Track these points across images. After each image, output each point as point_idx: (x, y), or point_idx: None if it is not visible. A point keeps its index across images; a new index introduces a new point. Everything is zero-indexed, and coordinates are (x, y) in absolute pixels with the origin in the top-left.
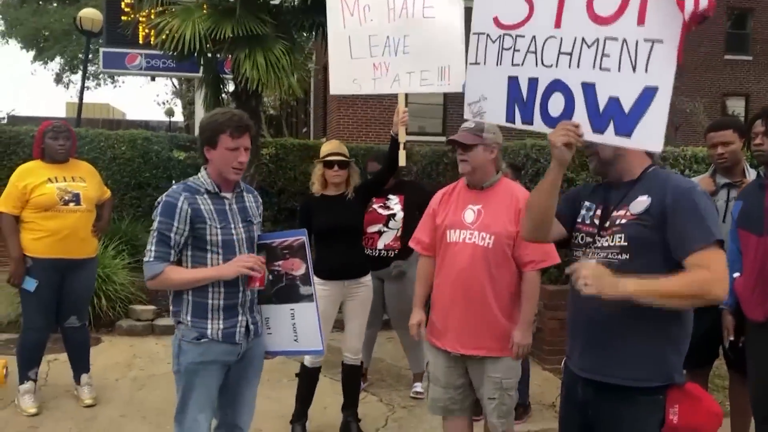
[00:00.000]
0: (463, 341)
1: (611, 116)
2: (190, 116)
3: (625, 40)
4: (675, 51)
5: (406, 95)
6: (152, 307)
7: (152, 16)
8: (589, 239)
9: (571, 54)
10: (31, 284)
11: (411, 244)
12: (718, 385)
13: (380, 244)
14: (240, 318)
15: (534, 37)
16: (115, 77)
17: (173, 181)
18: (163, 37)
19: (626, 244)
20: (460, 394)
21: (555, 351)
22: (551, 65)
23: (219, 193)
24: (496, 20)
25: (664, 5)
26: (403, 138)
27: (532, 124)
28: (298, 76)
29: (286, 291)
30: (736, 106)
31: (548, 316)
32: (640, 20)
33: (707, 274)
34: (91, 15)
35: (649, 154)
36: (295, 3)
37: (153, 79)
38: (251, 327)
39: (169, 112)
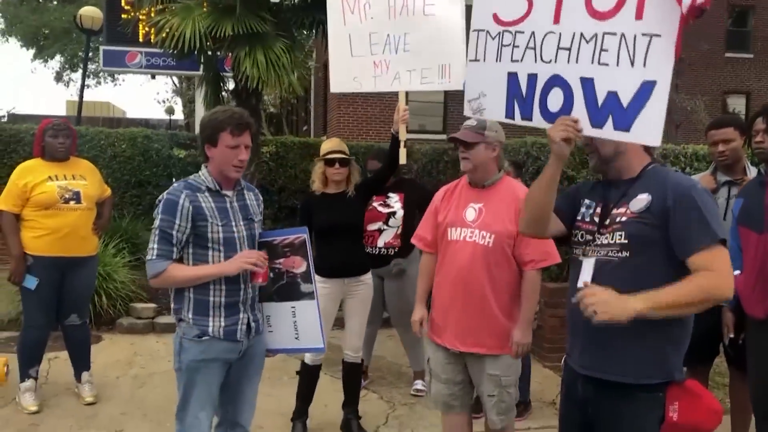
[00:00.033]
0: (463, 339)
1: (610, 111)
2: (191, 114)
3: (623, 35)
4: (673, 45)
5: (407, 93)
6: (153, 305)
7: (152, 14)
8: (589, 237)
9: (569, 49)
10: (31, 282)
11: (413, 240)
12: (718, 383)
13: (380, 242)
14: (241, 315)
15: (533, 32)
16: (116, 75)
17: (173, 180)
18: (164, 35)
19: (626, 241)
20: (460, 390)
21: (555, 348)
22: (550, 61)
23: (220, 190)
24: (495, 17)
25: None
26: (403, 136)
27: (531, 119)
28: (299, 74)
29: (287, 289)
30: (737, 104)
31: (548, 314)
32: (639, 15)
33: (712, 276)
34: (91, 13)
35: (649, 152)
36: (296, 1)
37: (153, 77)
38: (252, 324)
39: (170, 111)
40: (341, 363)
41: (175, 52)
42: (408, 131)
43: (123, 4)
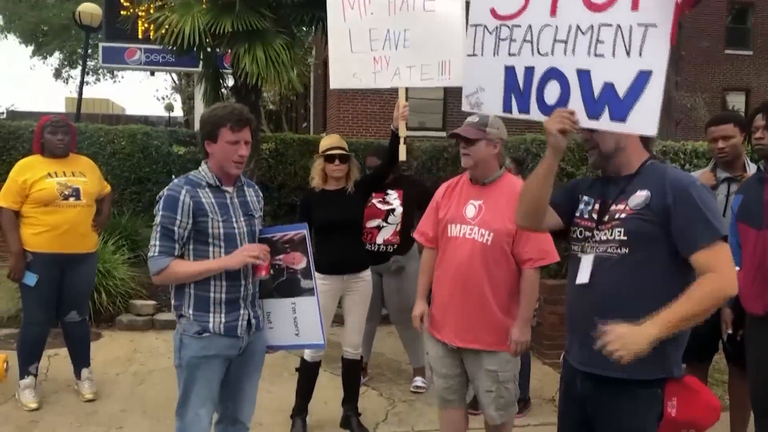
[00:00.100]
0: (461, 335)
1: (606, 102)
2: (190, 111)
3: (619, 26)
4: (668, 34)
5: (407, 90)
6: (152, 302)
7: (151, 11)
8: (588, 233)
9: (566, 42)
10: (31, 279)
11: (415, 236)
12: (717, 380)
13: (379, 239)
14: (242, 312)
15: (530, 26)
16: (115, 72)
17: (173, 176)
18: (163, 31)
19: (625, 238)
20: (456, 384)
21: (555, 345)
22: (547, 53)
23: (220, 186)
24: (492, 11)
25: None
26: (403, 132)
27: (528, 113)
28: (298, 70)
29: (287, 285)
30: (737, 101)
31: (548, 311)
32: (635, 5)
33: (716, 278)
34: (90, 9)
35: (647, 148)
36: None
37: (152, 74)
38: (253, 321)
39: (169, 107)
40: (341, 360)
41: (175, 48)
42: (408, 128)
43: (122, 0)
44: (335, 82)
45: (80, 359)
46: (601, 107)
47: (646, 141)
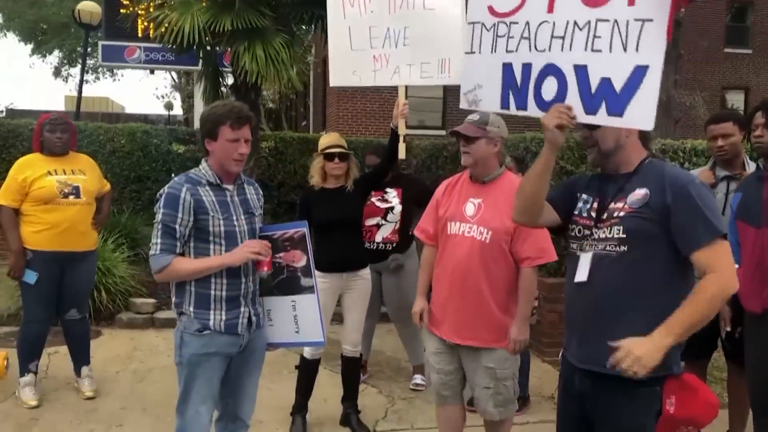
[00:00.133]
0: (459, 332)
1: (603, 97)
2: (189, 110)
3: (615, 21)
4: (665, 29)
5: (406, 88)
6: (152, 300)
7: (151, 9)
8: (586, 231)
9: (563, 37)
10: (31, 277)
11: (416, 232)
12: (716, 377)
13: (378, 237)
14: (242, 309)
15: (527, 22)
16: (114, 70)
17: (172, 175)
18: (162, 29)
19: (624, 236)
20: (452, 380)
21: (554, 343)
22: (544, 50)
23: (220, 184)
24: (490, 9)
25: None
26: (402, 130)
27: (526, 109)
28: (298, 69)
29: (288, 283)
30: (736, 100)
31: (547, 309)
32: (631, 1)
33: (717, 279)
34: (89, 8)
35: (646, 146)
36: None
37: (152, 72)
38: (253, 318)
39: (168, 106)
40: (340, 357)
41: (174, 47)
42: (407, 127)
43: None
44: (335, 80)
45: (80, 357)
46: (598, 102)
47: (645, 139)
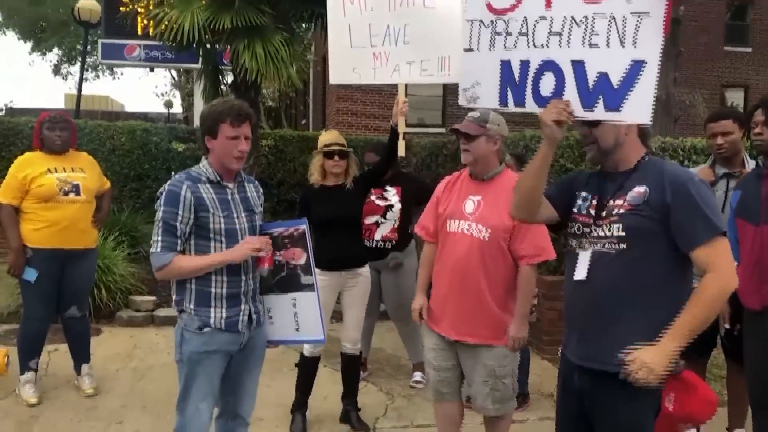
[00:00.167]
0: (458, 328)
1: (601, 92)
2: (189, 108)
3: (613, 16)
4: (662, 23)
5: (406, 86)
6: (152, 298)
7: (151, 7)
8: (585, 229)
9: (561, 33)
10: (31, 275)
11: (416, 229)
12: (715, 375)
13: (377, 235)
14: (243, 307)
15: (525, 19)
16: (114, 69)
17: (172, 173)
18: (162, 28)
19: (624, 234)
20: (450, 376)
21: (553, 341)
22: (542, 46)
23: (221, 182)
24: (488, 6)
25: None
26: (402, 128)
27: (524, 105)
28: (297, 67)
29: (288, 280)
30: (735, 98)
31: (547, 307)
32: None
33: (717, 278)
34: (89, 5)
35: (645, 144)
36: None
37: (152, 70)
38: (254, 316)
39: (168, 104)
40: (340, 355)
41: (174, 44)
42: (407, 125)
43: None
44: (335, 77)
45: (80, 355)
46: (596, 97)
47: (644, 136)
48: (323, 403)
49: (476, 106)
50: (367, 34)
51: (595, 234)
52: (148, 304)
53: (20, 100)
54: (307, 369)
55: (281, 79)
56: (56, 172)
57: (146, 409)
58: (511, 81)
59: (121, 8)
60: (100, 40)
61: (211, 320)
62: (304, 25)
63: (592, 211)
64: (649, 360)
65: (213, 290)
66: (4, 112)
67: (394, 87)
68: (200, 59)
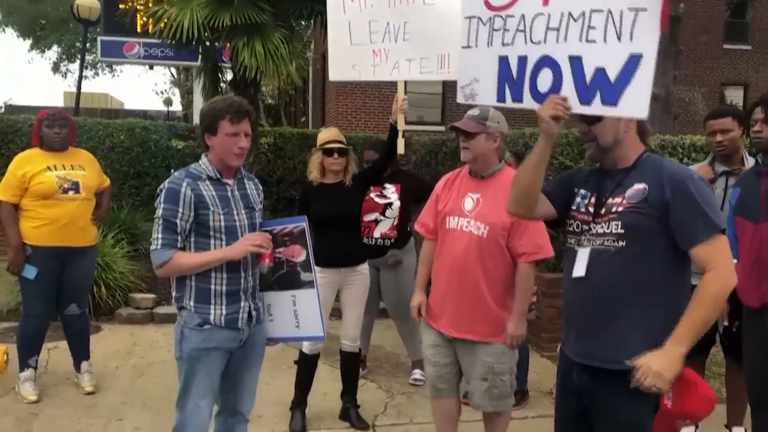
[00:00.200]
0: (457, 325)
1: (598, 87)
2: (189, 105)
3: (610, 11)
4: (659, 18)
5: (406, 83)
6: (152, 296)
7: (150, 5)
8: (584, 227)
9: (558, 29)
10: (31, 272)
11: (416, 226)
12: (714, 373)
13: (377, 233)
14: (242, 304)
15: (523, 15)
16: (113, 66)
17: (172, 170)
18: (161, 25)
19: (623, 231)
20: (447, 373)
21: (553, 339)
22: (539, 42)
23: (221, 179)
24: (486, 2)
25: None
26: (401, 126)
27: (522, 101)
28: (297, 64)
29: (287, 277)
30: (735, 96)
31: (546, 304)
32: None
33: (716, 277)
34: (88, 3)
35: (644, 141)
36: None
37: (151, 68)
38: (253, 313)
39: (168, 102)
40: (339, 353)
41: (173, 42)
42: (406, 122)
43: None
44: (334, 75)
45: (80, 352)
46: (593, 92)
47: (642, 134)
48: (323, 400)
49: (474, 103)
50: (367, 31)
51: (594, 231)
52: (147, 302)
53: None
54: (306, 366)
55: (281, 77)
56: (56, 169)
57: (146, 406)
58: (508, 77)
59: (120, 5)
60: (99, 38)
61: (211, 317)
62: (303, 23)
63: (591, 209)
64: (656, 366)
65: (213, 287)
66: (3, 109)
67: (393, 85)
68: (200, 57)
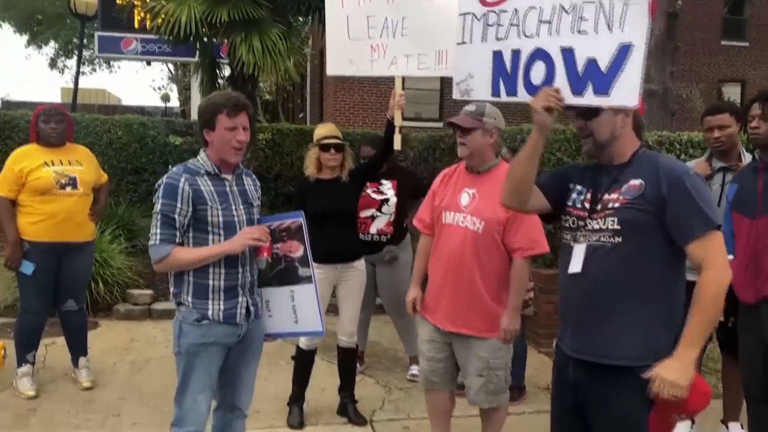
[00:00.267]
0: (453, 320)
1: (589, 77)
2: (186, 102)
3: (600, 2)
4: (648, 8)
5: (403, 79)
6: (149, 292)
7: (147, 0)
8: (580, 223)
9: (550, 22)
10: (28, 268)
11: (414, 222)
12: (711, 368)
13: (373, 229)
14: (240, 299)
15: (516, 9)
16: (111, 62)
17: (169, 166)
18: (159, 21)
19: (619, 227)
20: (441, 368)
21: (550, 334)
22: (532, 35)
23: (219, 174)
24: None
25: None
26: (399, 121)
27: (516, 95)
28: (295, 60)
29: (285, 273)
30: (732, 92)
31: (543, 300)
32: None
33: (714, 275)
34: None
35: (639, 137)
36: None
37: (149, 64)
38: (251, 308)
39: (165, 98)
40: (336, 348)
41: (171, 38)
42: (404, 118)
43: None
44: (332, 69)
45: (77, 348)
46: (585, 83)
47: (638, 129)
48: (321, 395)
49: (470, 99)
50: (365, 26)
51: (590, 227)
52: (145, 298)
53: (17, 94)
54: (303, 362)
55: (278, 73)
56: (53, 165)
57: (143, 401)
58: (503, 72)
59: (117, 1)
60: (96, 33)
61: (209, 312)
62: (301, 19)
63: (587, 205)
64: (670, 376)
65: (211, 282)
66: (0, 105)
67: (391, 81)
68: (197, 53)
